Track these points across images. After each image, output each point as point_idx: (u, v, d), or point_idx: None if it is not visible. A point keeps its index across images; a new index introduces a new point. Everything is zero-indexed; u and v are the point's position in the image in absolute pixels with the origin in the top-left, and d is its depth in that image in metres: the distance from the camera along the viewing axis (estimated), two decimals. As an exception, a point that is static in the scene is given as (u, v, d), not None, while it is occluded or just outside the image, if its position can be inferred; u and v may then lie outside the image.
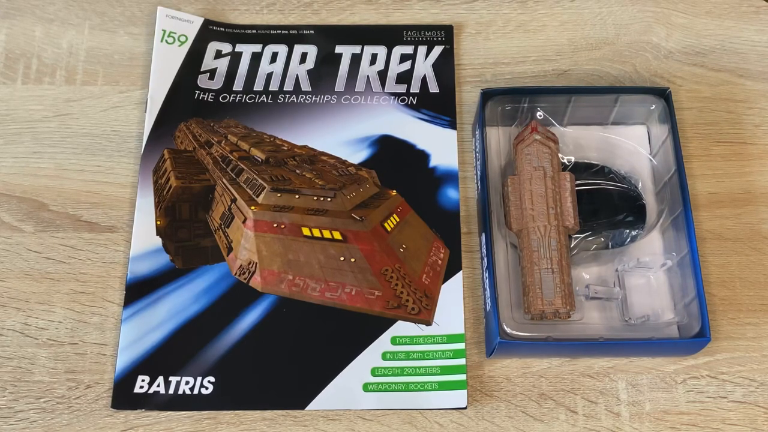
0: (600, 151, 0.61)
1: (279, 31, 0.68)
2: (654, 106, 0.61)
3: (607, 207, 0.58)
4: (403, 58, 0.66)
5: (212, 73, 0.66)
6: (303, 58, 0.67)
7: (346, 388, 0.55)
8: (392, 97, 0.65)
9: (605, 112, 0.62)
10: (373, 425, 0.55)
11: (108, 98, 0.65)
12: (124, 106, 0.65)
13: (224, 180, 0.62)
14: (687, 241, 0.55)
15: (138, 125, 0.64)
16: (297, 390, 0.55)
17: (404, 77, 0.66)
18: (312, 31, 0.68)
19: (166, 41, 0.66)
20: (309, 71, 0.66)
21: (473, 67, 0.67)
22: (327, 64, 0.66)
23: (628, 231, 0.58)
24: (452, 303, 0.57)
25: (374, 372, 0.55)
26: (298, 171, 0.62)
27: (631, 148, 0.62)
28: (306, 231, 0.59)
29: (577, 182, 0.58)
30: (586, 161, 0.60)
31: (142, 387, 0.54)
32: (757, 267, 0.59)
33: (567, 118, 0.62)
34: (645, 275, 0.57)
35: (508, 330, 0.54)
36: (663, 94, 0.60)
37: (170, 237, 0.59)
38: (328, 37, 0.67)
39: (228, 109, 0.65)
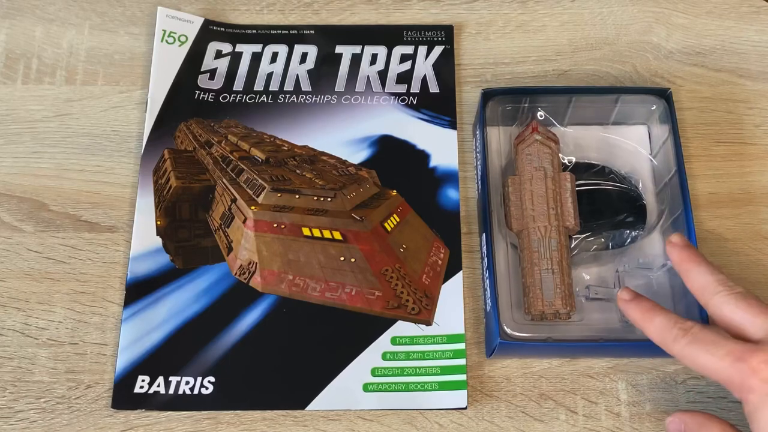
0: (600, 152, 0.61)
1: (279, 31, 0.68)
2: (655, 107, 0.61)
3: (607, 207, 0.58)
4: (404, 58, 0.66)
5: (212, 73, 0.66)
6: (303, 58, 0.67)
7: (346, 388, 0.55)
8: (392, 97, 0.65)
9: (606, 112, 0.62)
10: (373, 425, 0.55)
11: (108, 98, 0.65)
12: (124, 106, 0.65)
13: (224, 180, 0.62)
14: (688, 242, 0.55)
15: (138, 125, 0.64)
16: (297, 390, 0.55)
17: (404, 77, 0.66)
18: (312, 31, 0.68)
19: (166, 41, 0.66)
20: (309, 71, 0.66)
21: (473, 67, 0.67)
22: (327, 64, 0.66)
23: (628, 231, 0.58)
24: (452, 303, 0.57)
25: (374, 372, 0.55)
26: (298, 171, 0.62)
27: (631, 148, 0.62)
28: (306, 231, 0.59)
29: (578, 182, 0.58)
30: (586, 161, 0.60)
31: (142, 387, 0.54)
32: (757, 267, 0.59)
33: (567, 118, 0.62)
34: (645, 276, 0.57)
35: (508, 330, 0.54)
36: (664, 95, 0.60)
37: (170, 237, 0.59)
38: (328, 37, 0.67)
39: (228, 109, 0.65)
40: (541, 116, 0.60)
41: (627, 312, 0.49)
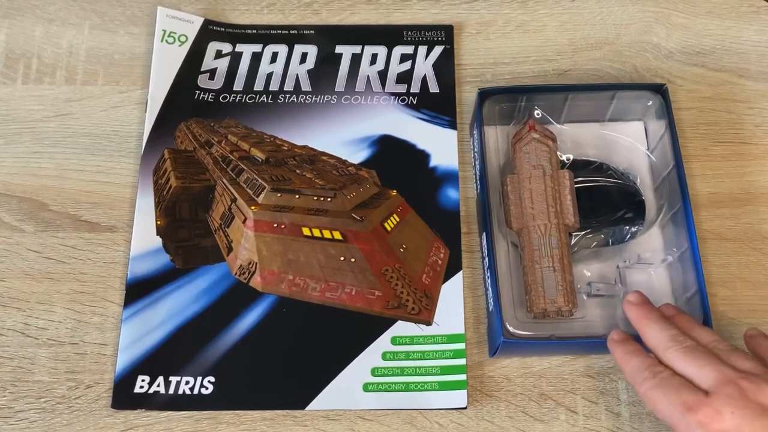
0: (598, 148, 0.61)
1: (279, 31, 0.68)
2: (651, 102, 0.61)
3: (606, 204, 0.58)
4: (403, 58, 0.66)
5: (212, 73, 0.66)
6: (303, 58, 0.67)
7: (346, 388, 0.55)
8: (392, 97, 0.65)
9: (602, 108, 0.62)
10: (373, 425, 0.55)
11: (108, 98, 0.65)
12: (124, 106, 0.65)
13: (224, 180, 0.62)
14: (687, 236, 0.55)
15: (138, 125, 0.64)
16: (297, 390, 0.55)
17: (404, 77, 0.66)
18: (312, 31, 0.68)
19: (167, 41, 0.66)
20: (309, 71, 0.66)
21: (473, 67, 0.67)
22: (327, 64, 0.66)
23: (627, 227, 0.58)
24: (452, 303, 0.57)
25: (374, 372, 0.55)
26: (298, 171, 0.62)
27: (628, 144, 0.62)
28: (306, 231, 0.59)
29: (576, 179, 0.58)
30: (584, 158, 0.60)
31: (142, 387, 0.54)
32: (757, 267, 0.59)
33: (564, 115, 0.62)
34: (646, 271, 0.57)
35: (511, 329, 0.54)
36: (659, 90, 0.60)
37: (170, 237, 0.59)
38: (328, 37, 0.67)
39: (228, 109, 0.65)
40: (538, 114, 0.60)
41: (612, 351, 0.51)
